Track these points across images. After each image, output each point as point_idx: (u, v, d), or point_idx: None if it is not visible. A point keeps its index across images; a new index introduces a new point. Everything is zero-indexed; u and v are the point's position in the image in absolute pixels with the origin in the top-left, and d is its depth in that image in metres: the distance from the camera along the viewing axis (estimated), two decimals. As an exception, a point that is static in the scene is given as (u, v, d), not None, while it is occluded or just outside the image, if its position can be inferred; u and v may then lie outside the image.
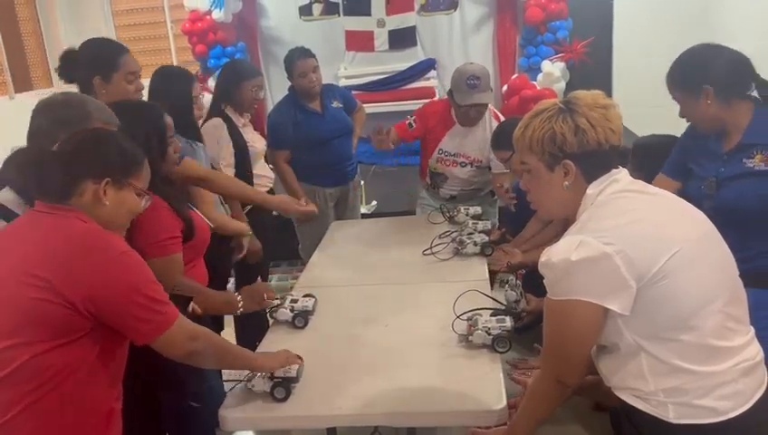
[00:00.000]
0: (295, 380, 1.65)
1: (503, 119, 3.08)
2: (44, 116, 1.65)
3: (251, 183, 3.00)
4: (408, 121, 3.12)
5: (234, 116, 2.95)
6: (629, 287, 1.27)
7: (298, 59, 3.21)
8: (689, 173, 2.02)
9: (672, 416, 1.30)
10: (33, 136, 1.66)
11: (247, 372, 1.68)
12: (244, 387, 1.67)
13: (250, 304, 2.00)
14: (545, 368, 1.46)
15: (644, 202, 1.40)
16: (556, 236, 1.49)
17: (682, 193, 2.03)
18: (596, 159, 1.38)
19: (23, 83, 5.35)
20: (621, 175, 1.41)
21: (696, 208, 1.47)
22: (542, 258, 1.36)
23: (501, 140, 2.71)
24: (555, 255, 1.32)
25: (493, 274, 2.50)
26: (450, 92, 2.97)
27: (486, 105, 2.96)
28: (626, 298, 1.28)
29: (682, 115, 1.96)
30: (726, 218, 1.71)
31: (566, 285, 1.32)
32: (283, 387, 1.63)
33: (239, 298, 1.98)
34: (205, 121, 2.95)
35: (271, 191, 3.22)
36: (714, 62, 1.84)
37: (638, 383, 1.34)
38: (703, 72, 1.84)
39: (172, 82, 2.53)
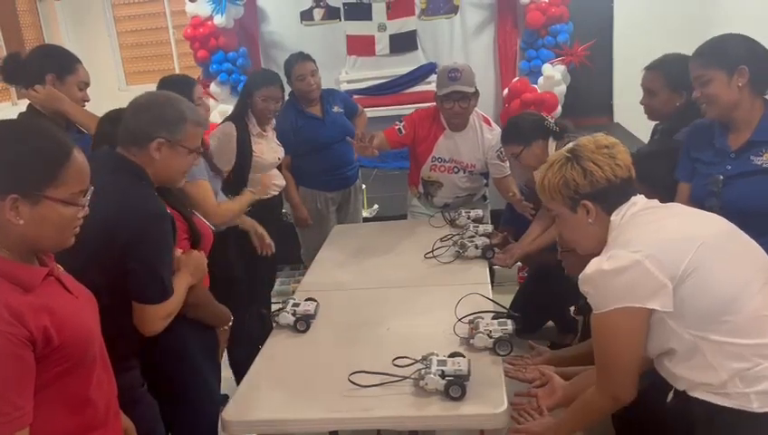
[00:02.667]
0: (466, 377, 1.62)
1: (493, 124, 3.07)
2: (143, 114, 1.70)
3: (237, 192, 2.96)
4: (397, 127, 3.08)
5: (251, 124, 2.95)
6: (665, 286, 1.36)
7: (296, 63, 3.23)
8: (694, 172, 2.01)
9: (756, 405, 1.33)
10: (129, 134, 1.70)
11: (415, 369, 1.65)
12: (413, 383, 1.64)
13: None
14: (601, 386, 1.52)
15: (662, 212, 1.52)
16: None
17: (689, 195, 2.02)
18: (610, 194, 1.51)
19: (25, 90, 5.35)
20: (638, 198, 1.53)
21: (710, 213, 1.55)
22: (580, 278, 1.47)
23: (512, 133, 2.70)
24: (588, 268, 1.44)
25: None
26: (436, 93, 2.97)
27: (469, 100, 2.89)
28: (664, 296, 1.36)
29: (697, 97, 1.93)
30: (732, 216, 1.71)
31: (605, 296, 1.41)
32: (458, 386, 1.60)
33: (231, 319, 2.01)
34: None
35: (278, 197, 3.20)
36: (755, 48, 1.83)
37: (709, 376, 1.37)
38: (744, 53, 1.82)
39: (174, 90, 2.55)
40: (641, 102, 2.43)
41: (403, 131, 3.06)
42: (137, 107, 1.73)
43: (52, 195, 1.18)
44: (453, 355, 1.71)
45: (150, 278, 1.60)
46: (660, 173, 2.10)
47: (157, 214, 1.63)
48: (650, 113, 2.45)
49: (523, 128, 2.67)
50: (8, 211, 1.14)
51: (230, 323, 2.02)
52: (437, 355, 1.70)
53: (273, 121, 3.08)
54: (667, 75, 2.30)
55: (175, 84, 2.56)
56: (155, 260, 1.61)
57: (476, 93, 2.93)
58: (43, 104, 2.32)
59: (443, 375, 1.61)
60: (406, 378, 1.66)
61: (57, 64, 2.32)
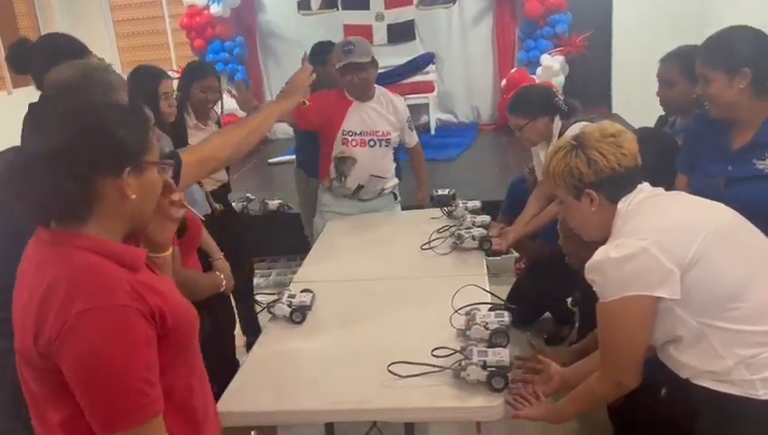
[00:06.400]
0: (509, 368, 1.60)
1: (398, 96, 3.09)
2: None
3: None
4: (301, 100, 3.07)
5: (188, 117, 2.92)
6: (673, 273, 1.36)
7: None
8: (694, 167, 1.97)
9: (761, 393, 1.34)
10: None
11: (456, 362, 1.62)
12: (455, 373, 1.61)
13: (230, 283, 2.08)
14: (606, 373, 1.51)
15: (667, 201, 1.52)
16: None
17: (688, 187, 1.99)
18: (615, 183, 1.51)
19: (20, 79, 5.33)
20: (645, 186, 1.53)
21: (715, 202, 1.54)
22: (586, 267, 1.46)
23: (520, 105, 2.67)
24: (595, 256, 1.44)
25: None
26: (335, 68, 2.95)
27: (366, 70, 2.88)
28: (672, 284, 1.36)
29: (698, 94, 1.90)
30: None
31: (613, 284, 1.41)
32: (501, 377, 1.57)
33: (223, 279, 2.04)
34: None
35: (225, 186, 3.08)
36: (760, 48, 1.77)
37: (715, 364, 1.37)
38: (748, 53, 1.76)
39: (140, 82, 2.51)
40: (657, 94, 2.37)
41: (307, 103, 3.02)
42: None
43: (150, 159, 1.15)
44: (492, 345, 1.70)
45: None
46: (646, 159, 2.08)
47: None
48: (666, 105, 2.40)
49: (532, 101, 2.65)
50: (126, 187, 1.10)
51: (224, 284, 2.03)
52: (477, 345, 1.68)
53: (216, 114, 3.03)
54: (685, 65, 2.24)
55: (142, 78, 2.54)
56: None
57: (374, 63, 2.92)
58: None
59: (485, 366, 1.59)
60: (445, 368, 1.64)
61: (68, 58, 2.25)
